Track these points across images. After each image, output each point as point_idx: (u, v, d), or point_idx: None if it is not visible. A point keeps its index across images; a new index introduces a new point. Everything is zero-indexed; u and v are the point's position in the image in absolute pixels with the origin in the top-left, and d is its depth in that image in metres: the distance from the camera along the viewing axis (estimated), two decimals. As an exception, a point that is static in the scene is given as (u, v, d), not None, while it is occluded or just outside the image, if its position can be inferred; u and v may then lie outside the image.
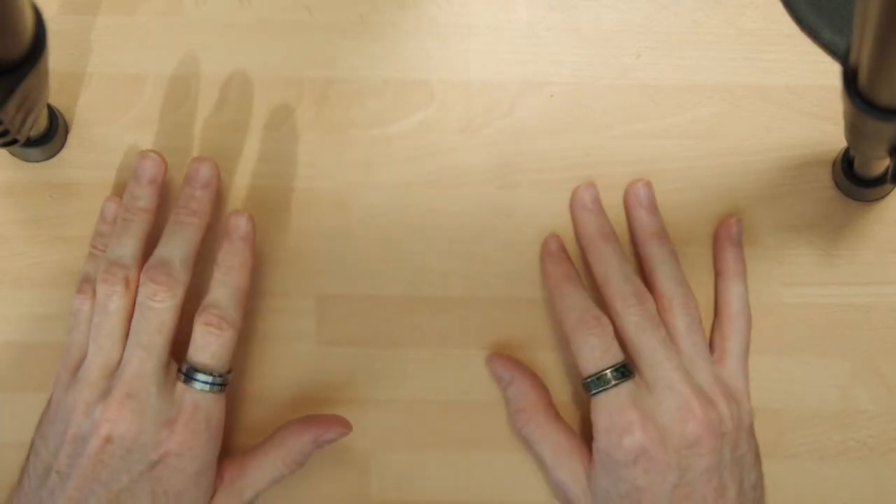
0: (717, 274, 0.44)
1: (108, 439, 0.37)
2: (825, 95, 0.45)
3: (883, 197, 0.44)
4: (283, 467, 0.41)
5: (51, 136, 0.43)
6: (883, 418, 0.43)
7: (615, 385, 0.39)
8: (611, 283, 0.41)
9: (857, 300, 0.44)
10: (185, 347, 0.40)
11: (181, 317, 0.40)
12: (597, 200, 0.44)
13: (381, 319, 0.44)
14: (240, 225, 0.41)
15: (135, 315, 0.39)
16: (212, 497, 0.40)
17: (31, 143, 0.43)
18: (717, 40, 0.45)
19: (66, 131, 0.45)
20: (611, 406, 0.39)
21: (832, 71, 0.45)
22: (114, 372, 0.39)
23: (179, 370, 0.39)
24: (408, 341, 0.44)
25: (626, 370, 0.40)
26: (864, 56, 0.28)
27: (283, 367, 0.44)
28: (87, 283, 0.41)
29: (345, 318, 0.44)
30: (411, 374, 0.44)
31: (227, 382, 0.40)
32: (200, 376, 0.39)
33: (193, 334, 0.39)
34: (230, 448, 0.43)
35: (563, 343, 0.44)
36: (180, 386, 0.39)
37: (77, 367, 0.40)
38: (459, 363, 0.44)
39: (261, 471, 0.41)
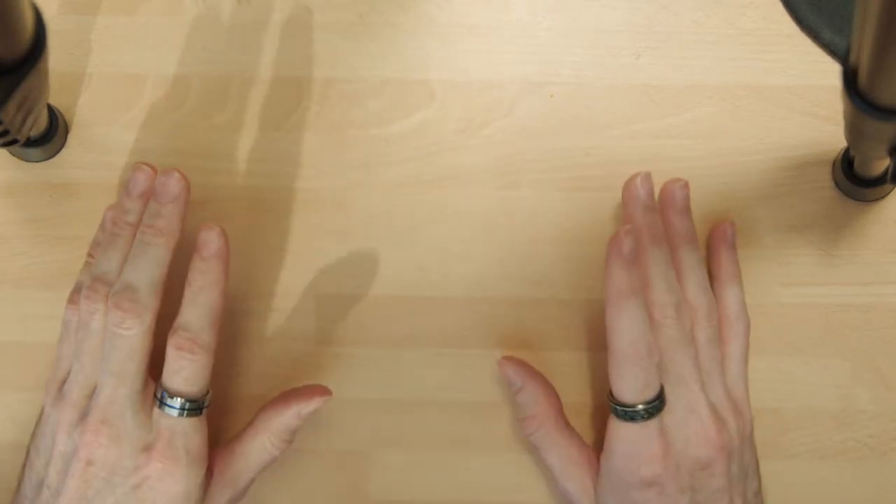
0: (714, 278, 0.43)
1: (89, 462, 0.37)
2: (825, 95, 0.45)
3: (883, 197, 0.44)
4: (273, 448, 0.40)
5: (51, 136, 0.43)
6: (883, 418, 0.43)
7: (645, 419, 0.38)
8: (653, 289, 0.40)
9: (857, 300, 0.44)
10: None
11: (158, 336, 0.39)
12: (652, 195, 0.42)
13: (381, 319, 0.44)
14: (210, 240, 0.39)
15: (105, 341, 0.38)
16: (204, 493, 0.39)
17: (31, 143, 0.43)
18: (717, 40, 0.45)
19: (66, 131, 0.45)
20: (636, 437, 0.38)
21: (832, 71, 0.45)
22: (93, 392, 0.38)
23: (154, 395, 0.38)
24: (408, 341, 0.44)
25: (660, 405, 0.38)
26: (864, 56, 0.28)
27: (283, 367, 0.44)
28: (77, 294, 0.41)
29: (345, 318, 0.44)
30: (411, 374, 0.44)
31: (205, 405, 0.38)
32: (174, 402, 0.37)
33: (166, 358, 0.38)
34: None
35: (563, 343, 0.44)
36: (156, 411, 0.38)
37: (64, 381, 0.39)
38: (459, 363, 0.44)
39: (250, 457, 0.40)
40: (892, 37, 0.26)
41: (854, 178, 0.43)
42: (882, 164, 0.41)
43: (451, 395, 0.44)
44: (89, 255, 0.42)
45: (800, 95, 0.45)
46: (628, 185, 0.42)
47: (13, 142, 0.37)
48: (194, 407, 0.38)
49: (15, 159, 0.45)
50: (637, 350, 0.38)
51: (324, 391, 0.41)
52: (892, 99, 0.29)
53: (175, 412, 0.37)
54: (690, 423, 0.38)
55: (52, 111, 0.43)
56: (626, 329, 0.38)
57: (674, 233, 0.42)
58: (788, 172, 0.44)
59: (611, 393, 0.39)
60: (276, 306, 0.44)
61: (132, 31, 0.45)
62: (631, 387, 0.38)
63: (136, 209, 0.41)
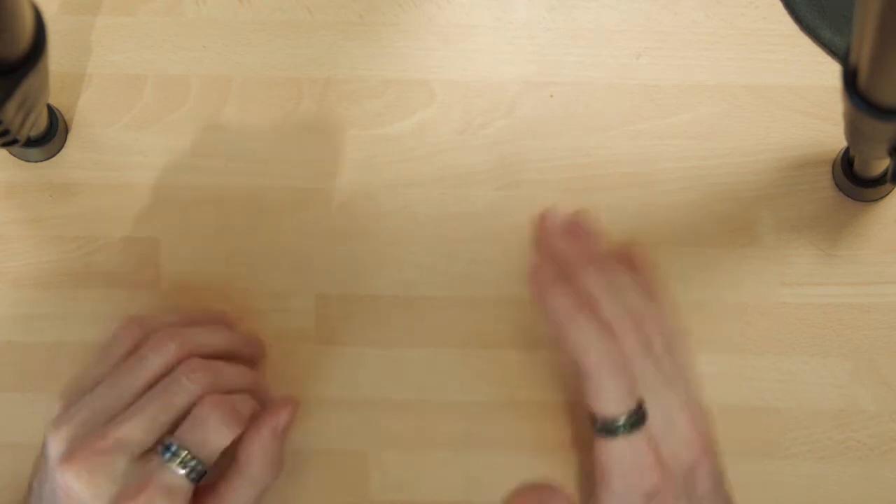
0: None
1: (67, 493, 0.35)
2: (825, 95, 0.45)
3: (883, 197, 0.44)
4: (264, 476, 0.39)
5: (51, 136, 0.43)
6: (883, 418, 0.43)
7: (634, 430, 0.37)
8: (602, 306, 0.38)
9: (857, 300, 0.44)
10: None
11: None
12: (566, 224, 0.42)
13: (381, 319, 0.44)
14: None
15: (158, 384, 0.37)
16: None
17: (31, 143, 0.43)
18: (717, 40, 0.45)
19: (66, 131, 0.45)
20: (630, 452, 0.37)
21: (832, 71, 0.45)
22: (103, 421, 0.36)
23: (166, 446, 0.36)
24: (408, 341, 0.44)
25: (643, 413, 0.38)
26: (864, 56, 0.28)
27: (283, 367, 0.44)
28: (136, 325, 0.39)
29: (345, 318, 0.44)
30: (411, 374, 0.44)
31: (202, 477, 0.36)
32: (186, 457, 0.36)
33: (200, 415, 0.36)
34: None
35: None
36: (158, 459, 0.36)
37: (76, 400, 0.37)
38: (459, 363, 0.44)
39: (240, 492, 0.38)
40: (892, 37, 0.26)
41: (854, 178, 0.43)
42: (882, 164, 0.41)
43: (451, 395, 0.44)
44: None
45: (800, 95, 0.45)
46: (541, 221, 0.43)
47: (13, 142, 0.37)
48: (202, 471, 0.36)
49: (15, 159, 0.45)
50: (611, 357, 0.37)
51: (290, 401, 0.40)
52: (892, 99, 0.29)
53: (183, 469, 0.36)
54: (672, 430, 0.38)
55: (52, 111, 0.43)
56: (590, 342, 0.37)
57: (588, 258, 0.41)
58: (788, 172, 0.44)
59: (592, 416, 0.38)
60: (276, 306, 0.44)
61: (132, 31, 0.45)
62: (615, 396, 0.37)
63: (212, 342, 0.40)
